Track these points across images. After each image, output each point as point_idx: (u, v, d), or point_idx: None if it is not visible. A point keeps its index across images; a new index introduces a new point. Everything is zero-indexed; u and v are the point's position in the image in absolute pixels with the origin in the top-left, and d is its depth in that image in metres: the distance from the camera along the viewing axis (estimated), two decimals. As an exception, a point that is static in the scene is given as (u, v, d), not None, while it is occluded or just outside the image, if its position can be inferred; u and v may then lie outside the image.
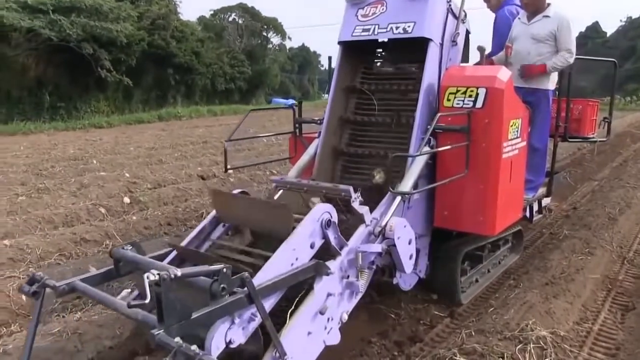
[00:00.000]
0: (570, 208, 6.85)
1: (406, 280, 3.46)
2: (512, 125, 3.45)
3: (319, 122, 4.09)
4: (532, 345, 3.02)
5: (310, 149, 3.93)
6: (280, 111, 16.88)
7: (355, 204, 2.96)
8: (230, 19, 38.50)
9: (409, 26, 3.54)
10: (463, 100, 3.35)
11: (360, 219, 2.97)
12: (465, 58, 3.98)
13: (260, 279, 2.40)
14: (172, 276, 1.95)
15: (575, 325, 3.50)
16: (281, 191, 3.46)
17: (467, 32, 3.96)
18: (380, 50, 4.07)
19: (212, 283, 2.11)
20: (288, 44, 45.54)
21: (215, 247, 3.13)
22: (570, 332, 3.36)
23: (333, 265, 2.73)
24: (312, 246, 2.71)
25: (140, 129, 17.40)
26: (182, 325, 1.99)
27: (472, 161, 3.30)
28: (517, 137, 3.57)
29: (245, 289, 2.19)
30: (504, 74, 3.35)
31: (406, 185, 3.20)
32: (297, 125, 4.31)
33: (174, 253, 2.96)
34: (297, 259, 2.62)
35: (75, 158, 10.44)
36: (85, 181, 7.78)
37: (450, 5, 3.64)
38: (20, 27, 18.37)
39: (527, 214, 4.53)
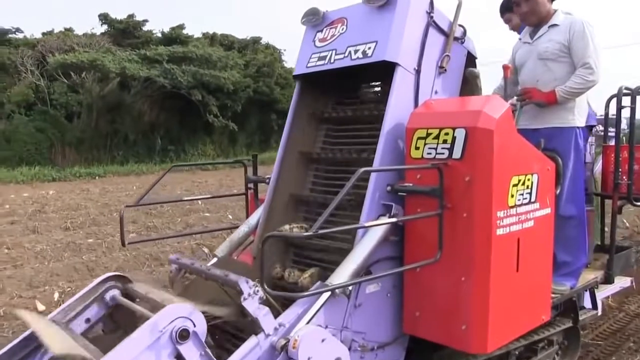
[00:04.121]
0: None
1: None
2: (516, 185, 2.26)
3: (267, 181, 3.09)
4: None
5: (252, 219, 2.99)
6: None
7: (250, 304, 2.01)
8: (331, 66, 38.86)
9: (369, 48, 2.55)
10: (435, 149, 2.25)
11: (257, 326, 2.03)
12: (467, 90, 2.85)
13: None
14: None
15: None
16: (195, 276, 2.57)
17: (471, 56, 2.86)
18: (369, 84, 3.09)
19: None
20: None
21: None
22: None
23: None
24: (152, 368, 1.83)
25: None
26: None
27: (449, 240, 2.19)
28: (529, 202, 2.36)
29: None
30: (494, 107, 2.19)
31: (341, 275, 2.16)
32: (248, 185, 3.44)
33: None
34: (118, 389, 1.76)
35: (182, 199, 11.00)
36: (191, 221, 8.23)
37: (432, 17, 2.59)
38: (139, 77, 20.07)
39: (572, 312, 3.12)
